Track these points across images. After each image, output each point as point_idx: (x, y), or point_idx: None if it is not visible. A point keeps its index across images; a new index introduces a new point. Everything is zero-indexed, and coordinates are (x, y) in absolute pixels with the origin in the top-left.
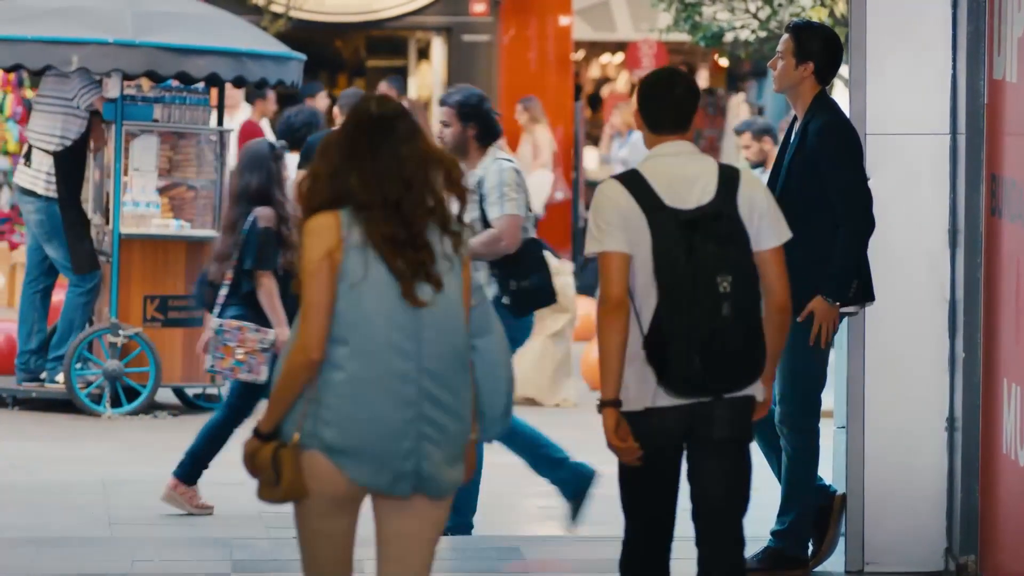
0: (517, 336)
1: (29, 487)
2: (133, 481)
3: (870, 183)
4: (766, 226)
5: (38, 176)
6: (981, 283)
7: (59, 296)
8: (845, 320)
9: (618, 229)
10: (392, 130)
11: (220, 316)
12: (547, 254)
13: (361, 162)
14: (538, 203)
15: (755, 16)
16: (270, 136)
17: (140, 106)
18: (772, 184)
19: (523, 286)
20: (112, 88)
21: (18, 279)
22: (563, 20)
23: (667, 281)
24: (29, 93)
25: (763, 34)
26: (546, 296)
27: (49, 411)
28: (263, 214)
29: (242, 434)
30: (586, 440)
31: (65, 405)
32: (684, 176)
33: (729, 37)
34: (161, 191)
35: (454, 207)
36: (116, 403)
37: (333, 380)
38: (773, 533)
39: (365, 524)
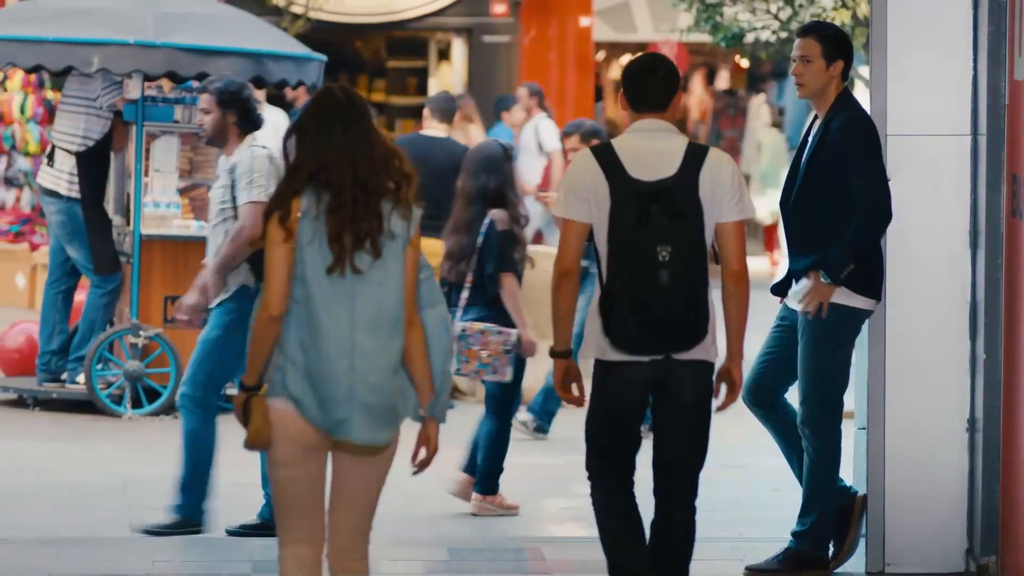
0: None
1: (50, 487)
2: (153, 481)
3: (890, 184)
4: (728, 200)
5: (60, 176)
6: (1002, 284)
7: (81, 297)
8: (866, 321)
9: (580, 199)
10: (361, 115)
11: (463, 319)
12: None
13: (330, 141)
14: None
15: (776, 17)
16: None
17: (161, 107)
18: (789, 183)
19: None
20: (133, 89)
21: (40, 280)
22: (583, 21)
23: (615, 246)
24: (50, 94)
25: (784, 35)
26: None
27: (70, 412)
28: (499, 216)
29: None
30: None
31: (86, 406)
32: (653, 151)
33: (750, 38)
34: (182, 192)
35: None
36: (137, 404)
37: (289, 334)
38: (794, 534)
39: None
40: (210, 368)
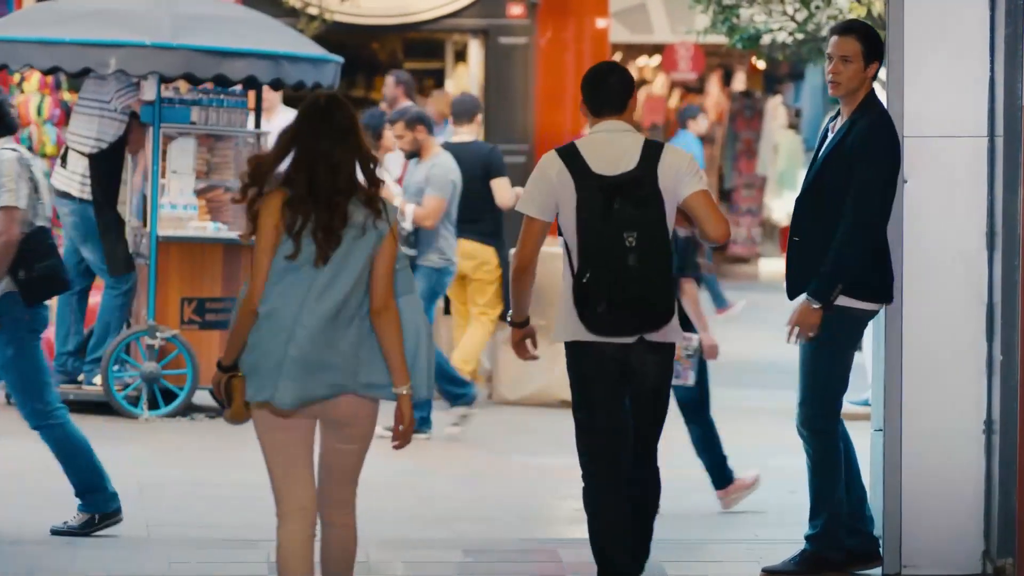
0: (36, 326)
1: (66, 489)
2: (170, 483)
3: (907, 186)
4: (686, 179)
5: (73, 178)
6: (1019, 286)
7: (96, 298)
8: (879, 320)
9: (544, 197)
10: (331, 121)
11: None
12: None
13: (309, 144)
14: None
15: (792, 18)
16: None
17: (178, 108)
18: (805, 179)
19: (33, 275)
20: (149, 90)
21: None
22: (600, 22)
23: (584, 236)
24: (67, 96)
25: (800, 36)
26: (59, 284)
27: (86, 413)
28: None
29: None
30: None
31: (102, 407)
32: (613, 148)
33: (766, 39)
34: (198, 193)
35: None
36: (153, 405)
37: (258, 320)
38: (807, 537)
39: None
40: (24, 382)
